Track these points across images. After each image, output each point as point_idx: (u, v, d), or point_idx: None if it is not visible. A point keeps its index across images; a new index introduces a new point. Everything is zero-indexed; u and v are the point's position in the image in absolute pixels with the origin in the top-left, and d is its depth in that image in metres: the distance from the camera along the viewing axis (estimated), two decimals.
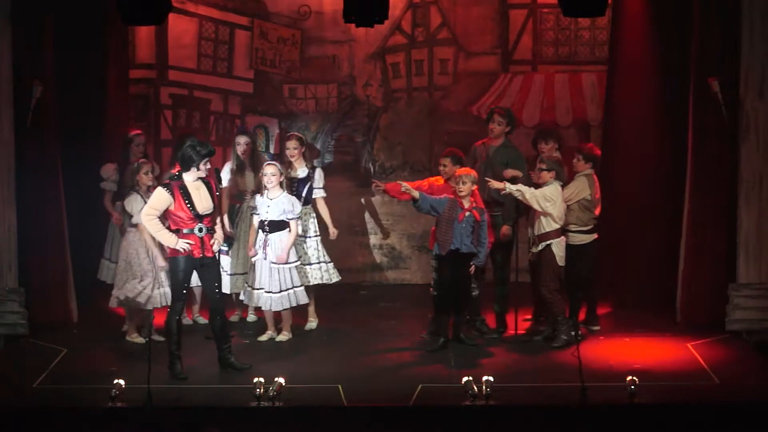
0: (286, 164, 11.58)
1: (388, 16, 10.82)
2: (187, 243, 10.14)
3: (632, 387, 9.40)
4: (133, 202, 10.98)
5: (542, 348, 11.03)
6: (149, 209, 10.19)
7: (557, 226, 11.00)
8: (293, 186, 11.55)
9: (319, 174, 11.75)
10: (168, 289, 10.91)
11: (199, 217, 10.16)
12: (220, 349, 10.37)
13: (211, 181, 10.30)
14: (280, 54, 13.71)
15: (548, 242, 10.99)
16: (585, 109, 13.68)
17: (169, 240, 10.17)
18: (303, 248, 11.53)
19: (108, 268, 11.70)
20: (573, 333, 10.56)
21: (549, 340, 11.12)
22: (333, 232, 11.70)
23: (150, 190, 11.00)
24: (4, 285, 11.27)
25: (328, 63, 13.72)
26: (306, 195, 11.59)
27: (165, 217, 10.23)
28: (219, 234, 10.42)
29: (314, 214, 11.68)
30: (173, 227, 10.20)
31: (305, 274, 11.49)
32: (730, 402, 9.49)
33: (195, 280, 11.65)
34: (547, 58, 13.70)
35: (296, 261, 11.27)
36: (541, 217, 10.99)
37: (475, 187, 10.94)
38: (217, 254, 10.44)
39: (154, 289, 11.03)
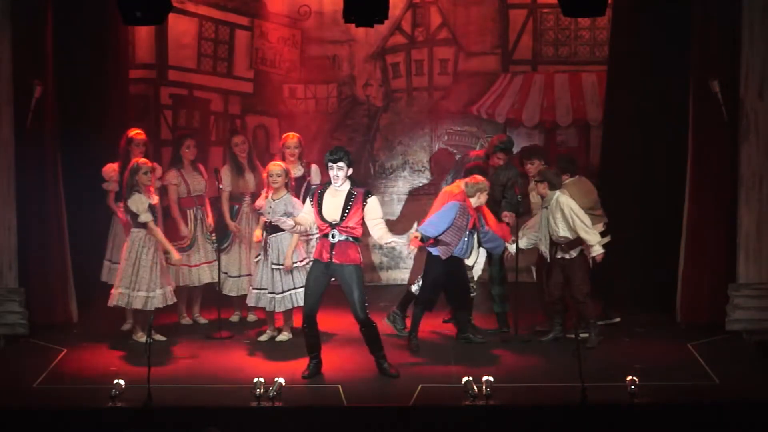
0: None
1: (388, 16, 10.81)
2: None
3: (632, 387, 9.40)
4: (137, 202, 10.97)
5: (542, 348, 11.03)
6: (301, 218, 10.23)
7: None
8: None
9: (315, 171, 11.65)
10: (166, 290, 11.01)
11: (328, 224, 10.09)
12: (376, 356, 10.31)
13: (356, 194, 10.05)
14: (280, 54, 13.70)
15: (581, 247, 10.96)
16: (585, 109, 13.67)
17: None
18: (307, 249, 11.50)
19: (110, 269, 11.68)
20: (574, 334, 10.55)
21: (558, 341, 11.10)
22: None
23: (148, 190, 11.02)
24: (4, 285, 11.28)
25: (328, 63, 13.72)
26: (304, 194, 11.56)
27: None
28: None
29: None
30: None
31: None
32: (730, 402, 9.50)
33: (199, 279, 11.70)
34: (547, 58, 13.70)
35: (297, 262, 11.24)
36: (571, 224, 10.93)
37: None
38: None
39: (153, 291, 11.01)
